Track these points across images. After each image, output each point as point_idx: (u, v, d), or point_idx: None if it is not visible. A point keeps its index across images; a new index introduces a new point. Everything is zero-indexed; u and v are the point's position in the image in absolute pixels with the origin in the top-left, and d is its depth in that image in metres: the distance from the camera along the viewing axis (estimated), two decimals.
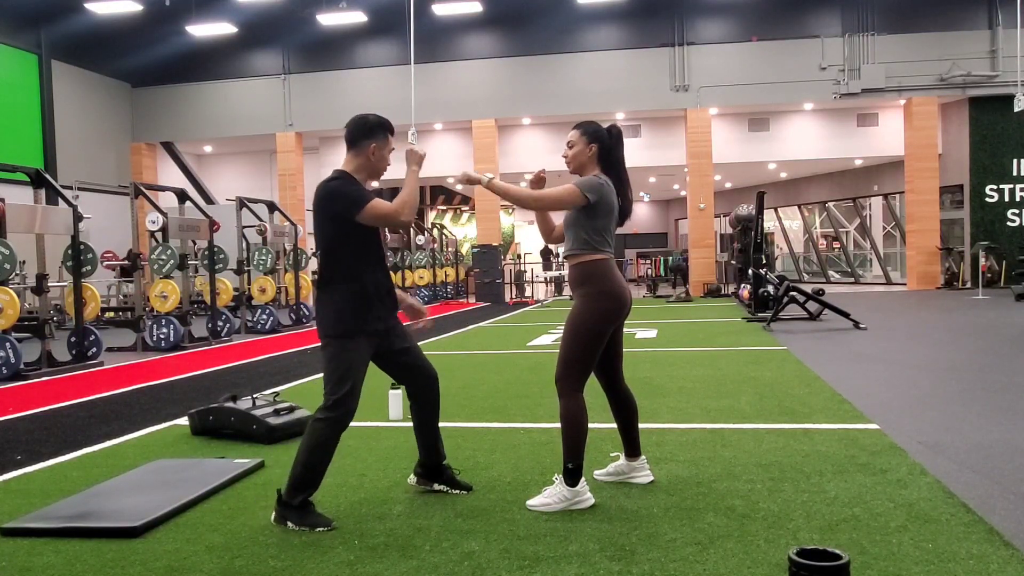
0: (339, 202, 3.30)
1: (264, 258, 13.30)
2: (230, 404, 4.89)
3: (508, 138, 21.04)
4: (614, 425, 3.75)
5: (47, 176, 9.32)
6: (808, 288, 12.44)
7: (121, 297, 15.88)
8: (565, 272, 21.82)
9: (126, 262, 15.59)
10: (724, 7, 19.50)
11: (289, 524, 3.22)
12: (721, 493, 3.50)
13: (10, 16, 17.79)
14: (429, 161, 3.97)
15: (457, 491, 3.63)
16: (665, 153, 20.61)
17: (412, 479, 3.69)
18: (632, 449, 3.69)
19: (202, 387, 7.12)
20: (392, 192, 3.64)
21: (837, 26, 19.05)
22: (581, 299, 3.43)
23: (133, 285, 15.97)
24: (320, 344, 3.37)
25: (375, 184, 3.54)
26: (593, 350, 3.39)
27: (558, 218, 3.75)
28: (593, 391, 3.74)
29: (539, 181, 3.74)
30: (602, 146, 3.54)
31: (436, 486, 3.64)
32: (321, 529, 3.18)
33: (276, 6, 19.00)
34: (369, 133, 3.41)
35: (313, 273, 15.56)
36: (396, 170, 3.45)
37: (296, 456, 3.29)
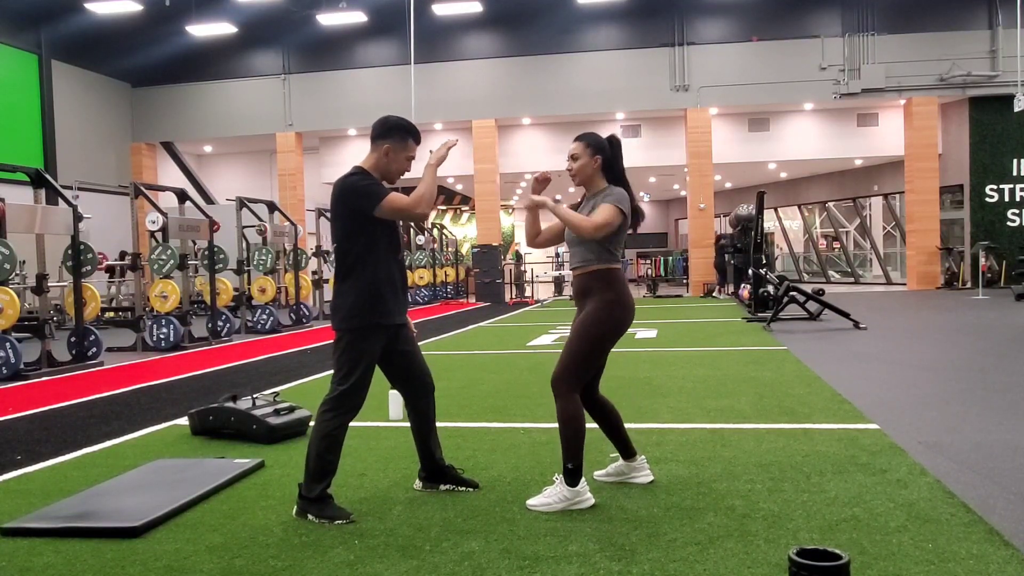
0: (357, 197, 3.33)
1: (264, 258, 13.30)
2: (230, 404, 4.89)
3: (508, 138, 21.03)
4: None
5: (47, 176, 9.32)
6: (808, 288, 12.43)
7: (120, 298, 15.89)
8: (563, 272, 21.83)
9: (120, 261, 15.63)
10: (724, 7, 19.49)
11: (310, 516, 3.28)
12: (721, 493, 3.50)
13: (10, 16, 17.79)
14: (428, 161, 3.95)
15: (464, 488, 3.63)
16: (665, 153, 20.60)
17: (418, 483, 3.70)
18: (627, 451, 3.69)
19: (202, 387, 7.11)
20: (408, 192, 3.69)
21: (837, 26, 19.04)
22: (598, 305, 3.40)
23: (122, 286, 16.09)
24: (335, 336, 3.41)
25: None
26: (598, 356, 3.43)
27: (546, 223, 3.73)
28: None
29: (544, 182, 3.69)
30: (605, 157, 3.54)
31: (443, 487, 3.65)
32: (340, 522, 3.22)
33: (276, 6, 18.99)
34: (386, 133, 3.42)
35: (314, 273, 15.56)
36: (415, 171, 3.44)
37: (307, 449, 3.34)
